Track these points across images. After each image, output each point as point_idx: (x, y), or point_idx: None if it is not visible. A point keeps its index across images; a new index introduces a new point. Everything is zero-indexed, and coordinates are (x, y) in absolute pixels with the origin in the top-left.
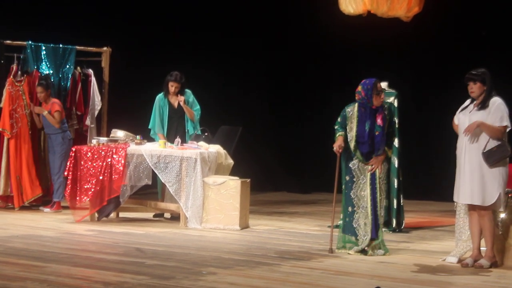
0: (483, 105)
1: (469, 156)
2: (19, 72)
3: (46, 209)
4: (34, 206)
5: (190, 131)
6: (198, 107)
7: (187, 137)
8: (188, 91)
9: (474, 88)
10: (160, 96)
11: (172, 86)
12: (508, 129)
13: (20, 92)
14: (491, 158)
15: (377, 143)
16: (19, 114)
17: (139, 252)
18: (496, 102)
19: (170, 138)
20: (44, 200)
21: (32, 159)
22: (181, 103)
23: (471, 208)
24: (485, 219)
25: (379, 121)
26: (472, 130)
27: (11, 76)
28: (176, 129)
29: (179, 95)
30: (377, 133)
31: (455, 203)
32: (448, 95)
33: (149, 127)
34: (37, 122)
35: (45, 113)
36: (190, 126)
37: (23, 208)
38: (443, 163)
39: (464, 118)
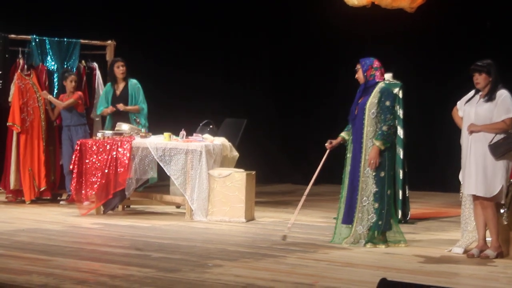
0: (489, 98)
1: (474, 147)
2: (25, 66)
3: (62, 202)
4: (44, 200)
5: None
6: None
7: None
8: (133, 81)
9: (480, 79)
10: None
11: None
12: None
13: (31, 85)
14: (497, 150)
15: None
16: (31, 107)
17: (140, 249)
18: (503, 94)
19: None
20: (53, 194)
21: (46, 151)
22: (121, 109)
23: (476, 198)
24: (488, 210)
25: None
26: (475, 131)
27: (19, 70)
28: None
29: (120, 105)
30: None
31: (461, 194)
32: (453, 86)
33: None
34: (50, 114)
35: (49, 96)
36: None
37: (33, 201)
38: (449, 154)
39: (470, 109)
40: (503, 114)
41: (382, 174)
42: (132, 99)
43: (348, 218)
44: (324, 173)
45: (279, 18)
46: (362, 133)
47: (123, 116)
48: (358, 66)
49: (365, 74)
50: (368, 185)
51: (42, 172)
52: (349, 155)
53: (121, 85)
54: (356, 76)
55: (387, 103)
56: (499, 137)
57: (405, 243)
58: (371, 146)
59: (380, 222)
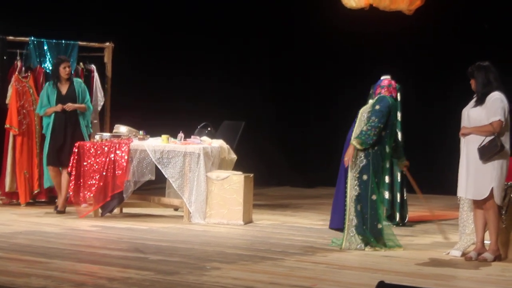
0: (480, 101)
1: (466, 149)
2: (23, 68)
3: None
4: (39, 202)
5: (82, 126)
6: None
7: (85, 132)
8: (78, 80)
9: (472, 83)
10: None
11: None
12: (503, 124)
13: (27, 88)
14: (484, 154)
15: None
16: (26, 110)
17: (140, 251)
18: (493, 97)
19: (60, 130)
20: (50, 196)
21: (40, 155)
22: (69, 109)
23: (475, 201)
24: (490, 212)
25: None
26: (465, 133)
27: (17, 72)
28: (65, 122)
29: (68, 104)
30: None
31: (459, 197)
32: (451, 89)
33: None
34: None
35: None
36: (81, 120)
37: (28, 204)
38: (447, 157)
39: (464, 112)
40: (491, 116)
41: (365, 177)
42: (79, 98)
43: (337, 222)
44: (325, 175)
45: (278, 20)
46: (351, 136)
47: (71, 116)
48: (372, 91)
49: (375, 94)
50: (351, 188)
51: (35, 175)
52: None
53: (66, 85)
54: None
55: (377, 107)
56: (488, 139)
57: (400, 247)
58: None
59: (364, 227)
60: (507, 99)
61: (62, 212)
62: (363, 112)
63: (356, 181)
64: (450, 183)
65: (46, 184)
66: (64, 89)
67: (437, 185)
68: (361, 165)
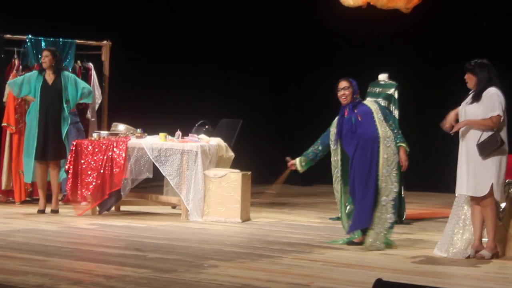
0: (477, 97)
1: (465, 146)
2: (21, 67)
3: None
4: (36, 200)
5: (62, 120)
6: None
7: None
8: (67, 72)
9: (468, 78)
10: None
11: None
12: (501, 118)
13: None
14: (484, 150)
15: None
16: (23, 108)
17: (138, 249)
18: (489, 92)
19: (45, 123)
20: (47, 194)
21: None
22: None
23: (473, 198)
24: (487, 209)
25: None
26: (458, 128)
27: (14, 71)
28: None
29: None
30: None
31: (457, 194)
32: (449, 86)
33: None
34: None
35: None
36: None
37: (24, 202)
38: (444, 154)
39: (461, 109)
40: (489, 112)
41: (398, 172)
42: (66, 91)
43: (361, 223)
44: (322, 173)
45: (276, 18)
46: (377, 133)
47: (54, 109)
48: (348, 85)
49: (354, 96)
50: (388, 184)
51: None
52: (336, 158)
53: (52, 76)
54: (344, 93)
55: (387, 110)
56: (486, 135)
57: (395, 245)
58: (389, 146)
59: (397, 220)
60: (503, 94)
61: (56, 211)
62: (377, 112)
63: (394, 178)
64: (446, 181)
65: (27, 179)
66: (50, 80)
67: (434, 183)
68: (396, 161)
